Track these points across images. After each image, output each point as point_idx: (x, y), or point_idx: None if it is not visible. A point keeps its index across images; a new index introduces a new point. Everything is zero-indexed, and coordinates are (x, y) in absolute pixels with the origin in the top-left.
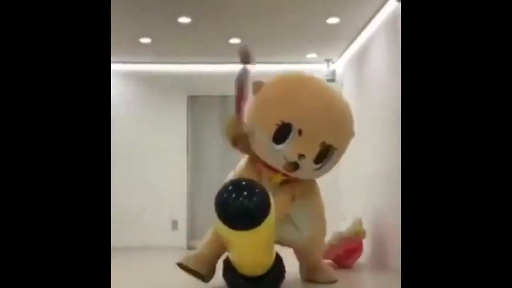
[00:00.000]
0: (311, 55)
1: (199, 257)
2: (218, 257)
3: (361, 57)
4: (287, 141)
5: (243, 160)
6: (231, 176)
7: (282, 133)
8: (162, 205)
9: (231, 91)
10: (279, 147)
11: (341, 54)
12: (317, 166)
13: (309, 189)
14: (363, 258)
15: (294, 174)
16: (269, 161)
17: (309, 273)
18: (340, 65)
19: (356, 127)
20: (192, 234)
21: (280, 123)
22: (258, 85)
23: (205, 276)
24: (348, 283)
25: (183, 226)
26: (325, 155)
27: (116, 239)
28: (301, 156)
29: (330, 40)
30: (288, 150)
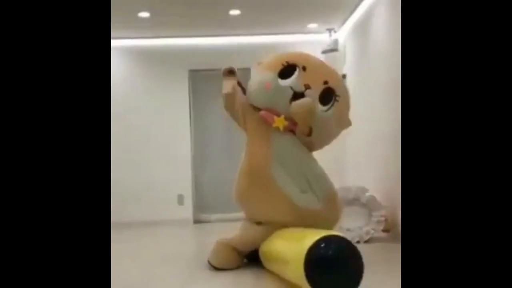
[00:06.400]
0: (312, 25)
1: (230, 254)
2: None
3: (363, 26)
4: (293, 75)
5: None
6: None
7: (287, 72)
8: (168, 180)
9: (232, 64)
10: (286, 81)
11: (342, 23)
12: (324, 108)
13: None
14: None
15: (297, 107)
16: (275, 99)
17: None
18: (342, 34)
19: (359, 96)
20: (198, 208)
21: (285, 63)
22: (260, 62)
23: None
24: None
25: (189, 200)
26: (329, 97)
27: (123, 214)
28: (307, 86)
29: (331, 9)
30: (294, 81)
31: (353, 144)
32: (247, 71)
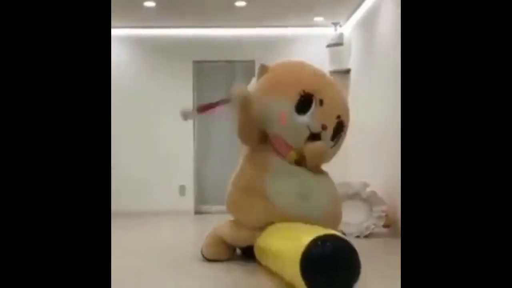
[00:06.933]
0: (318, 18)
1: (221, 247)
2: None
3: (368, 21)
4: (311, 111)
5: (241, 158)
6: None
7: (304, 104)
8: (170, 171)
9: (237, 55)
10: (303, 117)
11: (348, 18)
12: (332, 143)
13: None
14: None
15: (311, 152)
16: (290, 135)
17: None
18: (348, 28)
19: (363, 91)
20: (199, 199)
21: (303, 92)
22: (264, 68)
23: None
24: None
25: (190, 191)
26: (338, 132)
27: (124, 204)
28: (324, 127)
29: (337, 3)
30: (312, 120)
31: (355, 139)
32: (251, 63)
